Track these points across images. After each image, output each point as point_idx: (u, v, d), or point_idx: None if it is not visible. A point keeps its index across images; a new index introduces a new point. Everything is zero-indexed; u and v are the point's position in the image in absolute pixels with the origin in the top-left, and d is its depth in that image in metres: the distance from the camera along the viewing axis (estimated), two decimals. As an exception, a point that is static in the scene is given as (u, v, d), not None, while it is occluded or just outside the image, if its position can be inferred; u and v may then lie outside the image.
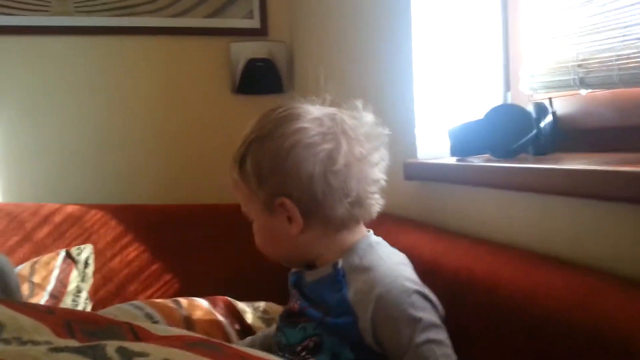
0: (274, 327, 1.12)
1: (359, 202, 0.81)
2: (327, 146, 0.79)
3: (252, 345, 1.02)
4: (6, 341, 0.41)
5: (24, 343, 0.41)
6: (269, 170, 0.79)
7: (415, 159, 1.23)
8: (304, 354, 0.79)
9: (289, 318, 0.85)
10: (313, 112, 0.82)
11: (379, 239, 0.86)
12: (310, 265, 0.86)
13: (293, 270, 0.91)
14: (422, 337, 0.73)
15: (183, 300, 1.16)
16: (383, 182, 0.85)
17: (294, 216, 0.80)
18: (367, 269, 0.79)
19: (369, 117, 0.84)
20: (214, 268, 1.76)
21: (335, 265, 0.81)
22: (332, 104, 0.85)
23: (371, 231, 0.87)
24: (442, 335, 0.75)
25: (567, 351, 0.64)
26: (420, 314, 0.74)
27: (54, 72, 1.97)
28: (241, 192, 0.84)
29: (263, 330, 1.11)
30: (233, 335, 1.14)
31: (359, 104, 0.85)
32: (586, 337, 0.61)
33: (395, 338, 0.74)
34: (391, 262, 0.81)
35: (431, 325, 0.74)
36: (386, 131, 0.85)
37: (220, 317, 1.16)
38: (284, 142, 0.78)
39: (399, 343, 0.74)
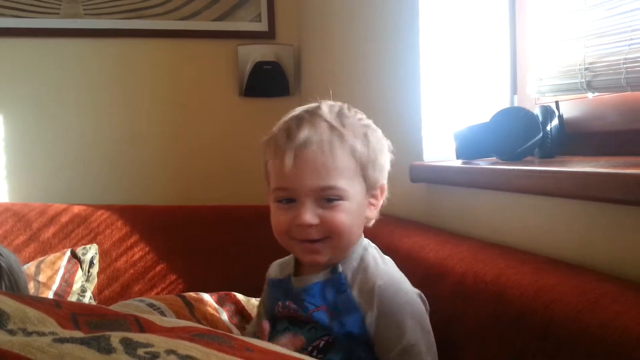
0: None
1: None
2: None
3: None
4: (11, 332, 0.41)
5: (29, 334, 0.41)
6: (381, 156, 0.85)
7: (422, 161, 1.23)
8: (314, 353, 0.79)
9: (294, 322, 0.85)
10: None
11: (369, 241, 0.90)
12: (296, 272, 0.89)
13: (272, 277, 0.93)
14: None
15: (189, 294, 1.17)
16: None
17: (379, 202, 0.87)
18: (365, 270, 0.83)
19: None
20: (219, 269, 1.76)
21: (334, 270, 0.84)
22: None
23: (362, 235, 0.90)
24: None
25: (575, 355, 0.63)
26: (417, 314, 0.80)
27: (63, 74, 1.99)
28: (347, 170, 0.81)
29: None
30: (234, 328, 1.14)
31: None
32: (595, 340, 0.61)
33: (393, 329, 0.78)
34: (384, 263, 0.86)
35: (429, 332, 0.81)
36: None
37: (222, 310, 1.16)
38: (384, 139, 0.87)
39: (396, 334, 0.78)
